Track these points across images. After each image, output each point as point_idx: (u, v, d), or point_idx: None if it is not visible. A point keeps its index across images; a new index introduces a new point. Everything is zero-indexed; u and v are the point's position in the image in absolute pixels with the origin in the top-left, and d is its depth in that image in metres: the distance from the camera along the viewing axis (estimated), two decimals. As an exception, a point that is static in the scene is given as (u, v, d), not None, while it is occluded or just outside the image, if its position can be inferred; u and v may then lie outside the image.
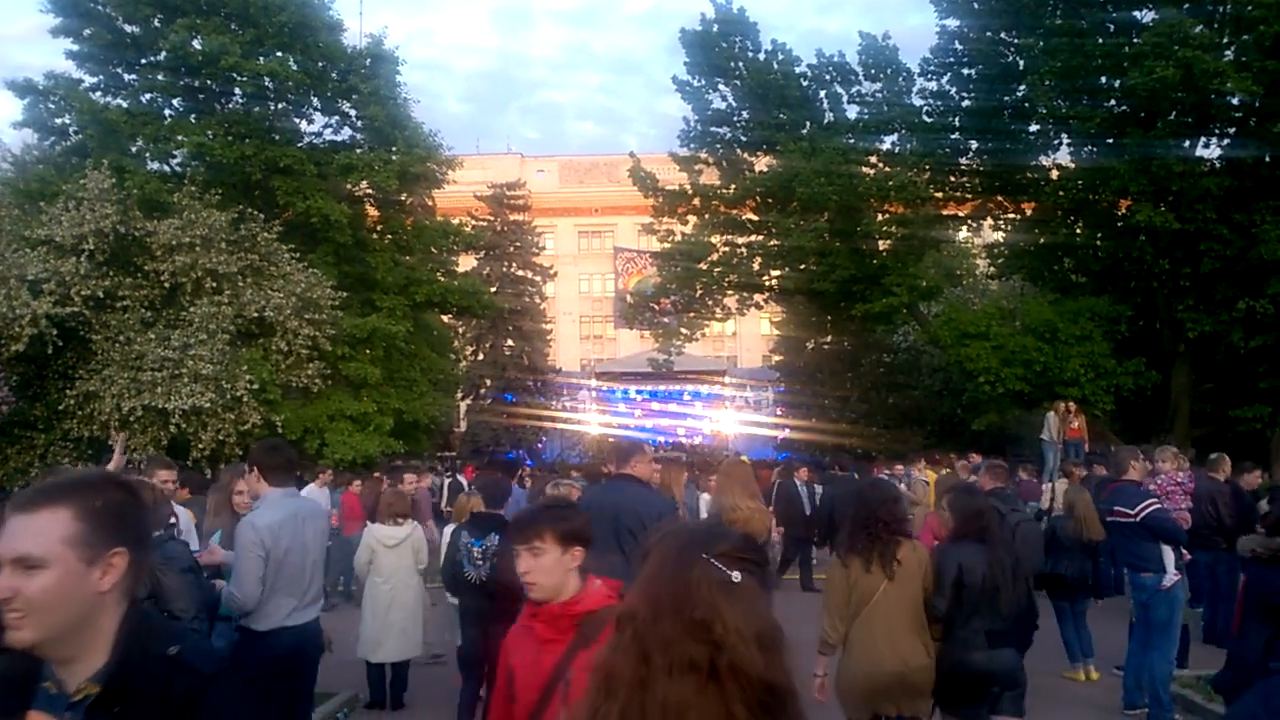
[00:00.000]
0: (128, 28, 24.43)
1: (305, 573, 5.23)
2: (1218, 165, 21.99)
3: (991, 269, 28.91)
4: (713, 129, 26.49)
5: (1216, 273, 20.71)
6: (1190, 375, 22.28)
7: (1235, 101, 20.62)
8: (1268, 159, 20.93)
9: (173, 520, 5.58)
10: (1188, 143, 21.53)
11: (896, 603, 4.96)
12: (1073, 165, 23.96)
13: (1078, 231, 24.39)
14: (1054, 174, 24.16)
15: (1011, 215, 25.98)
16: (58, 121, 24.35)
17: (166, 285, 20.71)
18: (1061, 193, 23.56)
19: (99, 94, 24.62)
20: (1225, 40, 20.96)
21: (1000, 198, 25.17)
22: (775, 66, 25.06)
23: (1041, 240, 24.99)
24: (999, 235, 27.64)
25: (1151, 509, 7.39)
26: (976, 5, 23.38)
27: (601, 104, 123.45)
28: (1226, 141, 22.19)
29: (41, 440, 20.23)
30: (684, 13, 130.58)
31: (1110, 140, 21.30)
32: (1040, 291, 24.83)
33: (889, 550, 5.01)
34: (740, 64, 25.27)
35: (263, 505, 5.24)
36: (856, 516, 5.25)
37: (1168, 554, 7.42)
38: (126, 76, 25.08)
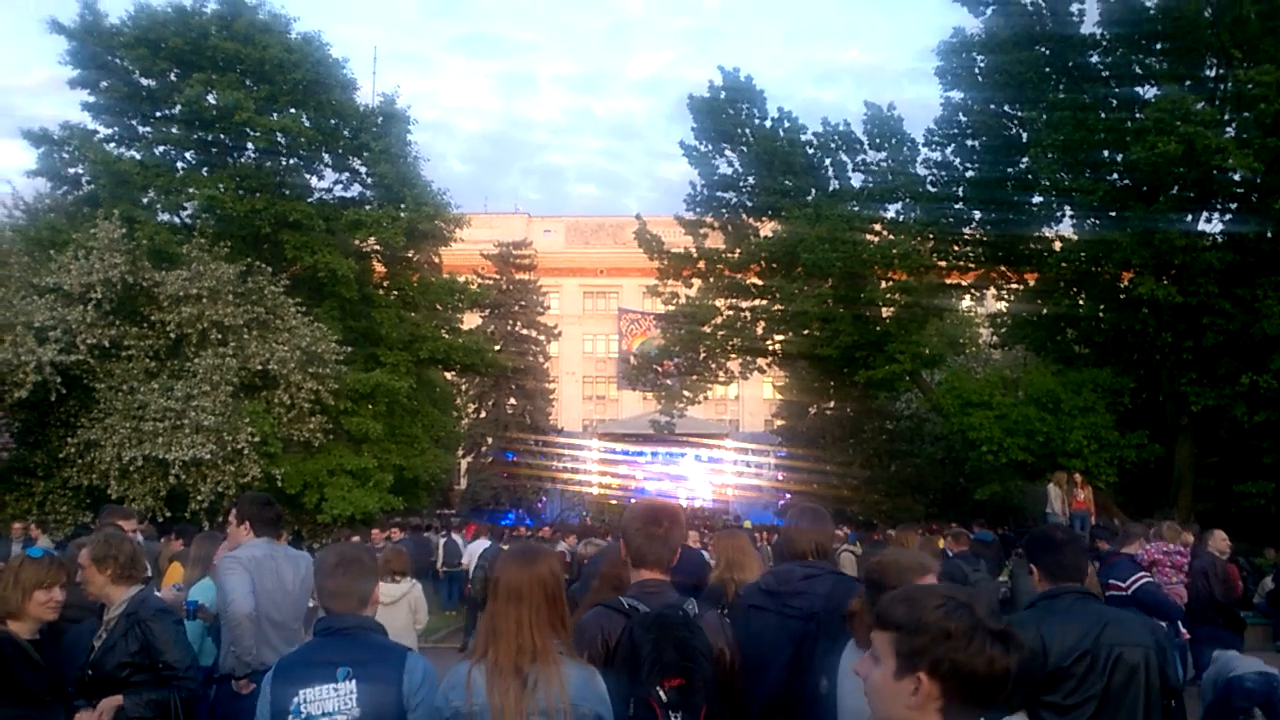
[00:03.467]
0: (144, 81, 24.79)
1: (287, 617, 5.32)
2: (1220, 240, 22.10)
3: (994, 338, 28.99)
4: (719, 194, 26.73)
5: (1219, 346, 20.73)
6: (1194, 449, 22.20)
7: (1237, 177, 20.82)
8: (1269, 234, 21.10)
9: (148, 574, 5.61)
10: (1190, 217, 21.68)
11: None
12: (1075, 237, 24.12)
13: (1080, 303, 24.47)
14: (1057, 245, 24.34)
15: (1014, 285, 26.11)
16: (71, 171, 24.59)
17: (172, 336, 20.75)
18: (1064, 264, 23.70)
19: (113, 145, 24.89)
20: (1227, 117, 21.23)
21: (1003, 268, 25.33)
22: (781, 134, 25.35)
23: (1044, 311, 25.06)
24: (1002, 305, 27.74)
25: (1142, 582, 7.33)
26: (981, 78, 23.73)
27: (603, 167, 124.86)
28: (1228, 217, 22.37)
29: (40, 488, 20.14)
30: (685, 80, 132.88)
31: (1113, 213, 21.47)
32: (1043, 362, 24.82)
33: None
34: (747, 130, 25.56)
35: (244, 546, 5.43)
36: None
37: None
38: (141, 129, 25.38)
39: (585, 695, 3.06)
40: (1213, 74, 22.20)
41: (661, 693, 3.10)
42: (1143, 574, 7.56)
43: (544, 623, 3.10)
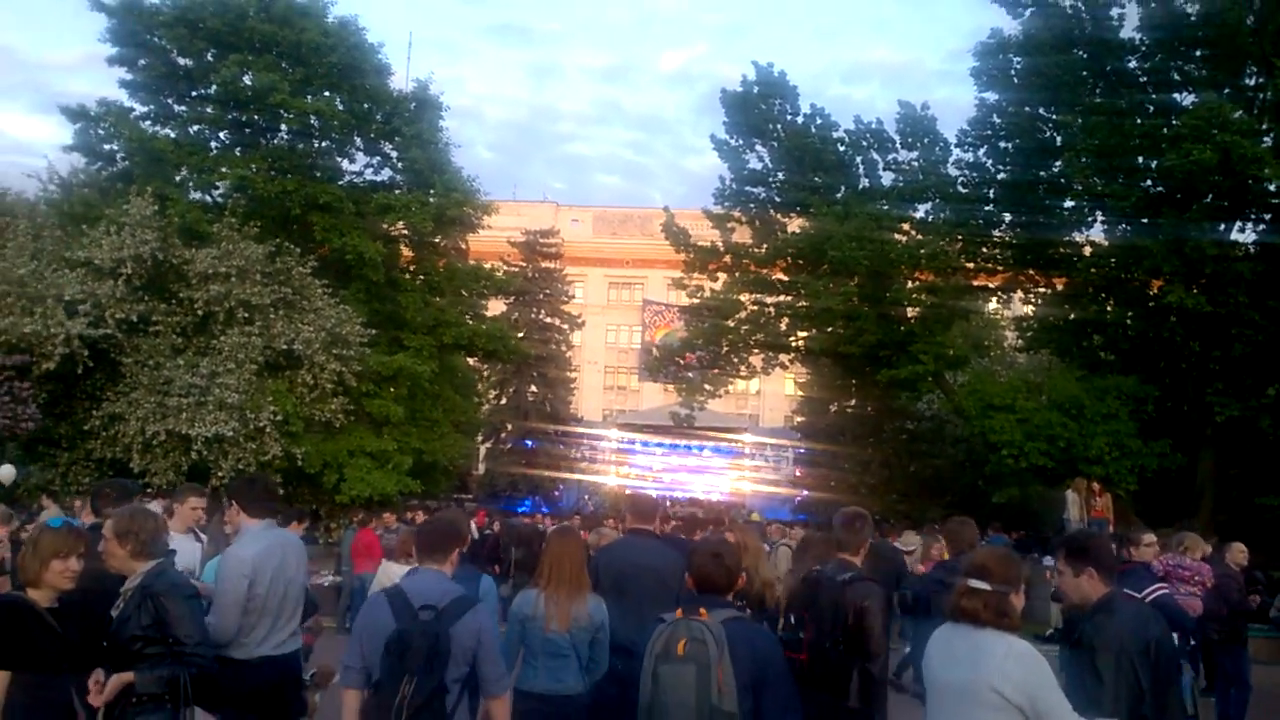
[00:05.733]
0: (181, 61, 24.97)
1: (287, 603, 5.37)
2: (1252, 250, 21.92)
3: (1019, 342, 28.78)
4: (747, 188, 26.65)
5: (1247, 357, 20.53)
6: (1216, 460, 22.00)
7: (1272, 188, 20.60)
8: (1302, 246, 20.86)
9: (171, 549, 5.61)
10: (1222, 226, 21.50)
11: None
12: (1106, 243, 23.97)
13: (1108, 309, 24.29)
14: (1086, 250, 24.18)
15: (1042, 289, 25.95)
16: (106, 147, 24.77)
17: (199, 313, 20.94)
18: (1093, 269, 23.55)
19: (148, 123, 25.05)
20: (1264, 127, 21.02)
21: (1031, 271, 25.15)
22: (813, 130, 25.25)
23: (1071, 316, 24.91)
24: (1029, 308, 27.56)
25: (1159, 593, 7.26)
26: (1017, 80, 23.57)
27: (629, 159, 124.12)
28: (1261, 227, 22.17)
29: (64, 459, 20.39)
30: (713, 75, 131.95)
31: (1144, 220, 21.29)
32: (1068, 367, 24.64)
33: None
34: (778, 126, 25.49)
35: (245, 537, 5.41)
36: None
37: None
38: (176, 107, 25.57)
39: (597, 613, 5.23)
40: (1252, 83, 22.01)
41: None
42: (1160, 585, 7.49)
43: (580, 568, 5.31)
